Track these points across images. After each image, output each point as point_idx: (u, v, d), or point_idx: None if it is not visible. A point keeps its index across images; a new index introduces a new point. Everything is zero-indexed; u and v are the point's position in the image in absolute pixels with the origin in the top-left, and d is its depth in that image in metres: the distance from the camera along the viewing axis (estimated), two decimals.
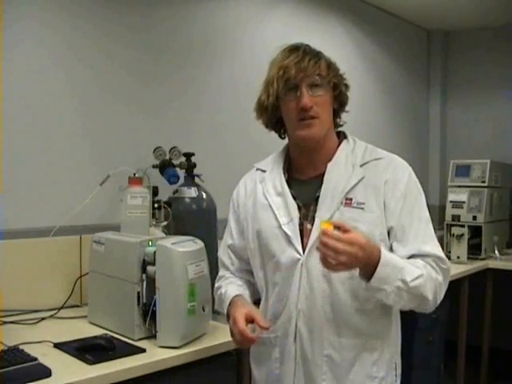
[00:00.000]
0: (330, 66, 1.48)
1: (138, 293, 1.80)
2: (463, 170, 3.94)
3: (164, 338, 1.72)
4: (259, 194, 1.56)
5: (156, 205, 2.27)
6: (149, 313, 1.76)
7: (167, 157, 2.43)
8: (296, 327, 1.44)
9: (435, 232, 1.50)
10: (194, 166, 2.49)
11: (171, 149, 2.45)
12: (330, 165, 1.47)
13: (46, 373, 1.46)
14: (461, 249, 3.62)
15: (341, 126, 1.57)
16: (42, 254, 2.19)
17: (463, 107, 4.71)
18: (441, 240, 3.90)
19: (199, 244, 1.84)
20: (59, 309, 2.11)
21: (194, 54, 2.84)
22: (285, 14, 3.36)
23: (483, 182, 3.84)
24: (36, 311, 2.08)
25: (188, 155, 2.49)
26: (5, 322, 1.95)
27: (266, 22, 3.24)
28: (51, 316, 2.06)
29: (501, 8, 4.06)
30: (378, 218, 1.42)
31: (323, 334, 1.42)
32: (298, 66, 1.42)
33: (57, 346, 1.70)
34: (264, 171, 1.59)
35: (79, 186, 2.32)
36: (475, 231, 3.76)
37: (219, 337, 1.84)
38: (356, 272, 1.35)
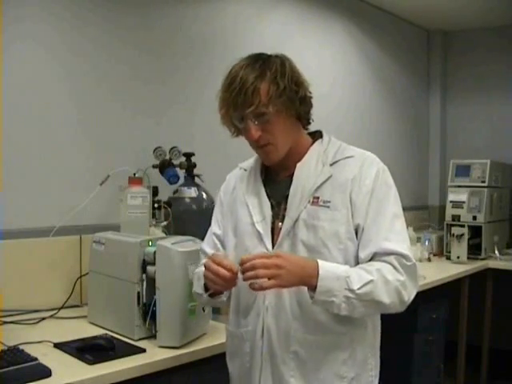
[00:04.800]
0: (276, 82, 1.40)
1: (138, 293, 1.80)
2: (463, 170, 3.94)
3: (164, 338, 1.72)
4: (239, 192, 1.59)
5: (156, 205, 2.28)
6: (149, 313, 1.76)
7: (167, 157, 2.43)
8: (263, 323, 1.45)
9: (406, 228, 1.48)
10: (194, 165, 2.50)
11: (171, 149, 2.45)
12: (299, 165, 1.48)
13: (46, 373, 1.46)
14: (461, 249, 3.62)
15: (309, 124, 1.55)
16: (42, 254, 2.19)
17: (463, 107, 4.71)
18: (440, 240, 3.92)
19: (199, 244, 1.84)
20: (59, 309, 2.11)
21: (194, 54, 2.84)
22: (285, 14, 3.36)
23: (483, 182, 3.85)
24: (36, 311, 2.08)
25: (188, 155, 2.49)
26: (5, 322, 1.95)
27: (266, 22, 3.24)
28: (51, 316, 2.06)
29: (501, 8, 4.06)
30: (344, 216, 1.41)
31: (290, 330, 1.42)
32: (235, 102, 1.41)
33: (57, 345, 1.70)
34: (245, 170, 1.63)
35: (79, 186, 2.32)
36: (475, 231, 3.77)
37: (219, 337, 1.84)
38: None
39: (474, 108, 4.64)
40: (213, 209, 2.49)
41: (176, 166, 2.45)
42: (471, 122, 4.63)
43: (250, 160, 1.65)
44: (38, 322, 1.99)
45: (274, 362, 1.45)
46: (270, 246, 1.46)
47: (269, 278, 1.28)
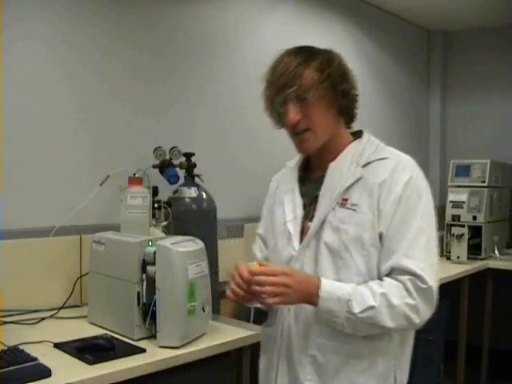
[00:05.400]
0: (321, 70, 1.40)
1: (138, 293, 1.79)
2: (463, 170, 3.94)
3: (164, 338, 1.72)
4: (280, 191, 1.59)
5: (156, 205, 2.27)
6: (149, 313, 1.76)
7: (167, 157, 2.43)
8: (284, 323, 1.45)
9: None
10: (194, 165, 2.50)
11: (171, 149, 2.45)
12: (331, 164, 1.45)
13: (46, 373, 1.46)
14: (461, 249, 3.62)
15: (352, 121, 1.52)
16: (42, 254, 2.19)
17: (463, 107, 4.71)
18: (440, 240, 3.91)
19: (199, 244, 1.84)
20: (59, 309, 2.11)
21: (195, 54, 2.84)
22: (285, 14, 3.36)
23: (483, 182, 3.84)
24: (36, 311, 2.08)
25: (188, 155, 2.49)
26: (5, 322, 1.95)
27: (266, 22, 3.24)
28: (51, 316, 2.06)
29: (501, 8, 4.06)
30: (369, 221, 1.36)
31: (310, 334, 1.41)
32: (278, 83, 1.40)
33: (57, 345, 1.70)
34: (289, 168, 1.62)
35: (79, 186, 2.32)
36: (475, 231, 3.77)
37: (219, 337, 1.84)
38: (346, 276, 1.36)
39: (474, 108, 4.64)
40: (213, 209, 2.51)
41: (176, 166, 2.45)
42: (471, 121, 4.63)
43: (296, 157, 1.62)
44: (37, 322, 1.98)
45: (290, 362, 1.44)
46: (297, 245, 1.45)
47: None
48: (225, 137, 2.99)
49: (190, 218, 2.39)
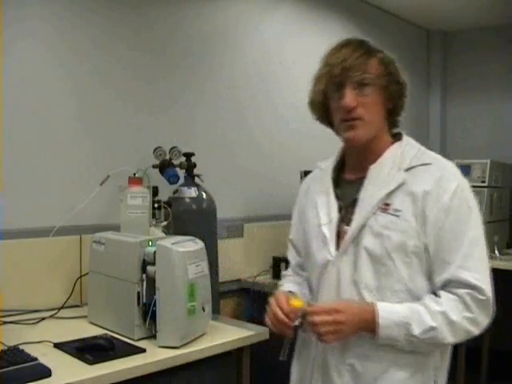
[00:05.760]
0: (384, 64, 1.41)
1: (138, 293, 1.79)
2: (463, 170, 3.82)
3: (164, 338, 1.72)
4: (312, 192, 1.53)
5: (156, 205, 2.27)
6: (149, 313, 1.76)
7: (167, 157, 2.43)
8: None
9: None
10: (194, 165, 2.50)
11: (171, 149, 2.45)
12: (372, 167, 1.40)
13: (46, 373, 1.46)
14: None
15: (394, 127, 1.49)
16: (42, 254, 2.19)
17: (463, 107, 4.71)
18: None
19: (199, 244, 1.84)
20: (59, 309, 2.11)
21: (194, 53, 2.84)
22: (285, 14, 3.36)
23: (483, 182, 3.84)
24: (36, 311, 2.08)
25: (188, 155, 2.49)
26: (5, 322, 1.95)
27: (266, 22, 3.24)
28: (51, 316, 2.06)
29: (500, 8, 4.06)
30: (413, 229, 1.32)
31: (349, 342, 1.35)
32: (344, 63, 1.35)
33: (57, 345, 1.70)
34: (322, 169, 1.56)
35: (79, 186, 2.32)
36: None
37: (219, 337, 1.84)
38: (387, 283, 1.33)
39: (474, 108, 4.64)
40: (213, 209, 2.51)
41: (176, 166, 2.45)
42: (471, 121, 4.63)
43: (329, 159, 1.57)
44: (37, 322, 1.98)
45: (326, 371, 1.40)
46: (333, 250, 1.39)
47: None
48: (225, 137, 2.98)
49: (190, 217, 2.39)
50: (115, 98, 2.50)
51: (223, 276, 2.65)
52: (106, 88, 2.46)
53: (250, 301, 2.91)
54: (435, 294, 1.34)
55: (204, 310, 1.79)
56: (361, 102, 1.36)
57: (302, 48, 3.37)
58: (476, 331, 1.33)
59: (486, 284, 1.33)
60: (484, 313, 1.34)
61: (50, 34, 2.28)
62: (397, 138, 1.48)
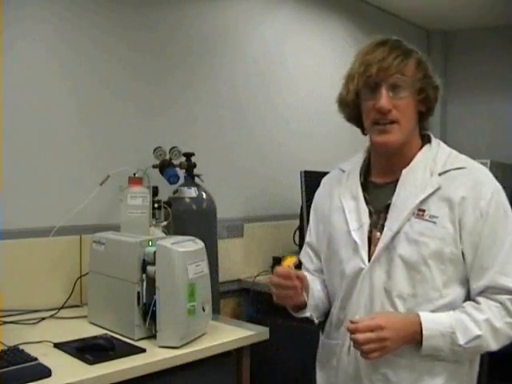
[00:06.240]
0: (420, 66, 1.38)
1: (138, 293, 1.79)
2: None
3: (164, 338, 1.72)
4: (335, 196, 1.48)
5: (156, 205, 2.27)
6: (149, 313, 1.76)
7: (167, 157, 2.43)
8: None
9: None
10: (194, 165, 2.50)
11: (171, 149, 2.45)
12: (404, 171, 1.36)
13: (46, 373, 1.46)
14: None
15: (423, 131, 1.45)
16: (42, 254, 2.18)
17: (463, 107, 4.71)
18: None
19: (199, 244, 1.84)
20: (59, 309, 2.11)
21: (194, 54, 2.84)
22: (285, 14, 3.36)
23: None
24: (36, 311, 2.08)
25: (188, 155, 2.49)
26: (5, 322, 1.95)
27: (266, 22, 3.23)
28: (51, 316, 2.06)
29: (500, 8, 4.06)
30: (450, 235, 1.29)
31: None
32: (380, 63, 1.32)
33: (57, 345, 1.70)
34: (344, 172, 1.51)
35: (79, 186, 2.32)
36: None
37: (219, 337, 1.84)
38: (422, 290, 1.31)
39: (475, 108, 4.64)
40: (213, 209, 2.51)
41: (176, 166, 2.45)
42: (471, 121, 4.63)
43: (350, 159, 1.53)
44: (37, 322, 1.98)
45: (358, 381, 1.37)
46: (366, 258, 1.36)
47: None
48: (225, 136, 2.98)
49: (190, 218, 2.39)
50: (115, 98, 2.50)
51: (223, 276, 2.65)
52: (106, 88, 2.46)
53: (249, 301, 2.91)
54: (474, 300, 1.32)
55: (204, 310, 1.79)
56: (395, 105, 1.33)
57: (302, 48, 3.37)
58: None
59: None
60: None
61: (50, 34, 2.28)
62: (425, 139, 1.45)
